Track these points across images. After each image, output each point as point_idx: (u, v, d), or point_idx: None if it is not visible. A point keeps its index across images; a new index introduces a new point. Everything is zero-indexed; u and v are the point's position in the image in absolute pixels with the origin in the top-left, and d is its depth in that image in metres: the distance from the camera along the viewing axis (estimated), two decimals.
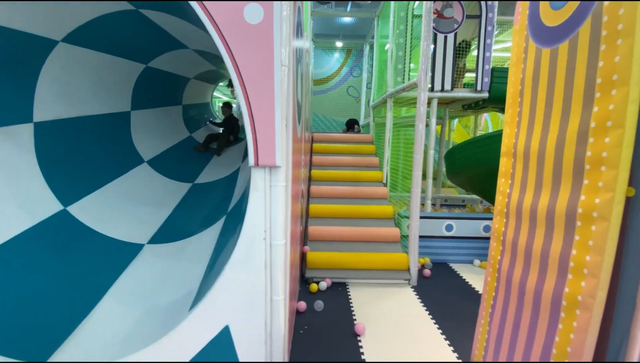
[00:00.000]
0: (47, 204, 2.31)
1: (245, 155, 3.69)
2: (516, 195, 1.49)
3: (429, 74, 2.51)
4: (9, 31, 1.94)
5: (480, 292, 2.73)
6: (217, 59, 3.68)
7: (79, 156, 2.69)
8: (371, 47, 6.27)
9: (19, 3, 1.82)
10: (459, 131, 8.51)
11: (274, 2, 1.25)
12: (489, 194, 4.15)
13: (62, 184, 2.44)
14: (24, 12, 1.96)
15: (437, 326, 2.18)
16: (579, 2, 1.14)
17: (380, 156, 4.48)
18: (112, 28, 2.42)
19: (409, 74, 3.60)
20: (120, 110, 3.22)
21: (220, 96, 9.21)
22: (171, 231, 2.62)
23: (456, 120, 7.84)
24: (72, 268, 2.15)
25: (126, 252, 2.36)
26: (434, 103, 3.71)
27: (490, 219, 3.38)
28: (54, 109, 2.46)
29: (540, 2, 1.35)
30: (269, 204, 1.41)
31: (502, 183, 1.63)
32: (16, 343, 1.64)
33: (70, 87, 2.57)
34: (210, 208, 2.85)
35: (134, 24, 2.46)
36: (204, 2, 1.26)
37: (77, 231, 2.36)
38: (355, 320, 2.22)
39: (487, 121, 8.56)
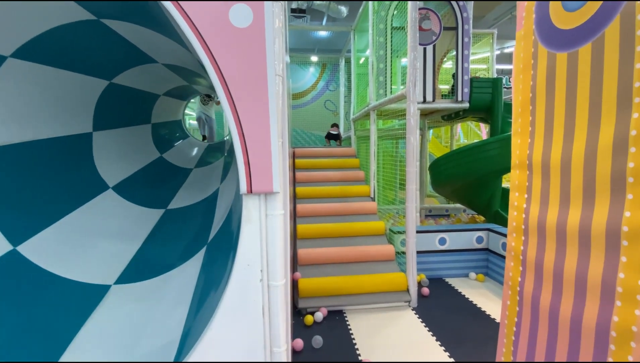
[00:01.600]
0: None
1: (225, 175, 3.42)
2: (536, 210, 1.37)
3: (418, 85, 2.42)
4: None
5: (484, 310, 2.60)
6: (190, 74, 3.44)
7: (31, 186, 2.33)
8: (347, 61, 6.26)
9: None
10: (433, 142, 8.66)
11: (265, 1, 1.07)
12: (475, 204, 4.13)
13: (10, 220, 2.09)
14: None
15: (447, 354, 2.00)
16: (600, 2, 1.05)
17: (364, 169, 4.36)
18: (69, 41, 2.14)
19: (391, 86, 3.53)
20: (81, 131, 2.87)
21: (191, 112, 8.83)
22: (142, 267, 2.29)
23: (431, 131, 7.97)
24: (26, 319, 1.80)
25: (89, 296, 2.02)
26: (417, 114, 3.65)
27: (481, 230, 3.31)
28: (1, 134, 2.12)
29: (551, 4, 1.27)
30: (265, 237, 1.19)
31: (516, 197, 1.51)
32: None
33: (21, 109, 2.24)
34: (187, 237, 2.56)
35: (95, 36, 2.19)
36: (180, 2, 1.06)
37: (29, 274, 2.00)
38: (359, 355, 2.00)
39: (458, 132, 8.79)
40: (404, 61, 4.03)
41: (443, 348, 2.07)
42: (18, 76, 2.09)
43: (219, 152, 4.62)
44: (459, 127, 7.83)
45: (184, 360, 1.21)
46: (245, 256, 1.18)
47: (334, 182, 4.05)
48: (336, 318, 2.49)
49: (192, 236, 2.54)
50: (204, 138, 4.98)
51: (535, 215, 1.36)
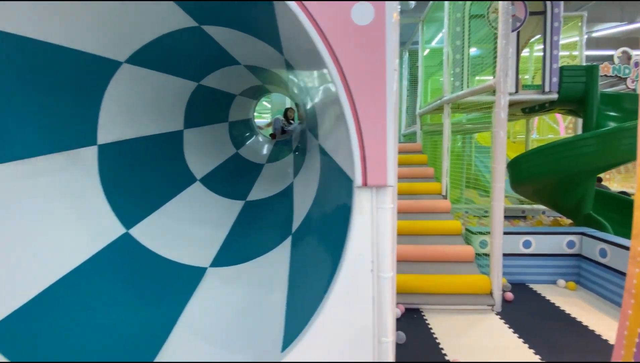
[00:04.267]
0: (111, 228, 2.24)
1: (297, 170, 3.55)
2: None
3: (510, 75, 2.27)
4: (76, 53, 1.90)
5: (579, 320, 2.37)
6: (266, 74, 3.61)
7: (138, 177, 2.65)
8: (410, 54, 6.07)
9: (80, 21, 1.76)
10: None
11: (386, 0, 1.09)
12: (562, 206, 3.76)
13: (123, 206, 2.37)
14: (90, 33, 1.91)
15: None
16: None
17: (433, 165, 4.21)
18: (172, 47, 2.37)
19: (468, 78, 3.35)
20: (174, 129, 3.19)
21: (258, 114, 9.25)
22: (232, 253, 2.48)
23: None
24: (140, 294, 2.05)
25: (190, 276, 2.24)
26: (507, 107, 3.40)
27: (574, 234, 3.00)
28: (116, 131, 2.42)
29: None
30: (376, 230, 1.21)
31: None
32: None
33: (130, 109, 2.54)
34: (270, 227, 2.71)
35: (193, 42, 2.40)
36: (304, 2, 1.12)
37: (139, 254, 2.27)
38: (445, 355, 1.96)
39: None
40: (473, 50, 3.79)
41: (538, 357, 1.93)
42: (130, 79, 2.36)
43: (287, 149, 4.81)
44: (535, 122, 7.16)
45: (294, 344, 1.29)
46: (357, 246, 1.21)
47: (402, 179, 3.97)
48: (414, 316, 2.45)
49: (275, 226, 2.68)
50: (273, 136, 5.19)
51: None
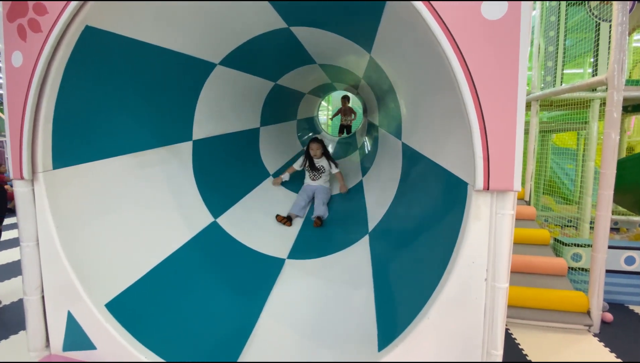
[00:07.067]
0: (202, 216, 2.42)
1: (366, 169, 3.53)
2: None
3: (625, 70, 2.01)
4: (184, 56, 2.06)
5: None
6: (339, 72, 3.64)
7: (222, 170, 2.83)
8: None
9: (190, 27, 1.90)
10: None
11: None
12: None
13: (211, 197, 2.54)
14: (197, 38, 2.05)
15: None
16: None
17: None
18: (258, 49, 2.47)
19: (562, 73, 3.03)
20: (252, 127, 3.36)
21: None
22: (307, 247, 2.53)
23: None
24: (229, 279, 2.18)
25: (271, 266, 2.32)
26: (596, 105, 3.05)
27: None
28: (206, 128, 2.61)
29: None
30: (494, 237, 1.15)
31: None
32: (200, 349, 1.64)
33: (218, 107, 2.71)
34: (342, 225, 2.72)
35: (279, 42, 2.48)
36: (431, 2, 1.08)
37: (225, 242, 2.42)
38: None
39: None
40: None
41: None
42: (221, 80, 2.52)
43: (350, 147, 4.80)
44: (632, 122, 6.27)
45: (394, 344, 1.28)
46: (470, 252, 1.16)
47: None
48: None
49: (347, 223, 2.67)
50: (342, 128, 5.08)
51: None
